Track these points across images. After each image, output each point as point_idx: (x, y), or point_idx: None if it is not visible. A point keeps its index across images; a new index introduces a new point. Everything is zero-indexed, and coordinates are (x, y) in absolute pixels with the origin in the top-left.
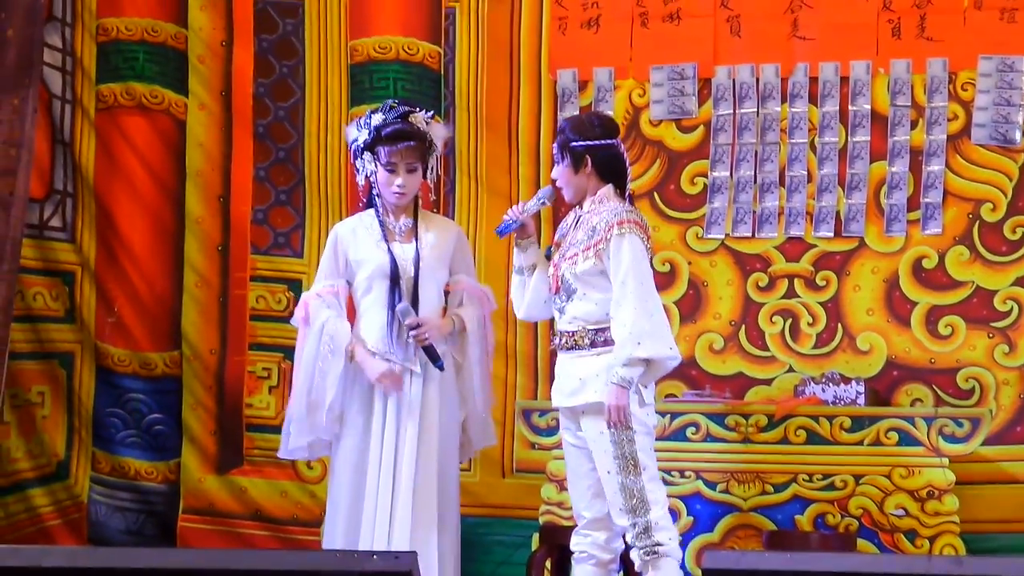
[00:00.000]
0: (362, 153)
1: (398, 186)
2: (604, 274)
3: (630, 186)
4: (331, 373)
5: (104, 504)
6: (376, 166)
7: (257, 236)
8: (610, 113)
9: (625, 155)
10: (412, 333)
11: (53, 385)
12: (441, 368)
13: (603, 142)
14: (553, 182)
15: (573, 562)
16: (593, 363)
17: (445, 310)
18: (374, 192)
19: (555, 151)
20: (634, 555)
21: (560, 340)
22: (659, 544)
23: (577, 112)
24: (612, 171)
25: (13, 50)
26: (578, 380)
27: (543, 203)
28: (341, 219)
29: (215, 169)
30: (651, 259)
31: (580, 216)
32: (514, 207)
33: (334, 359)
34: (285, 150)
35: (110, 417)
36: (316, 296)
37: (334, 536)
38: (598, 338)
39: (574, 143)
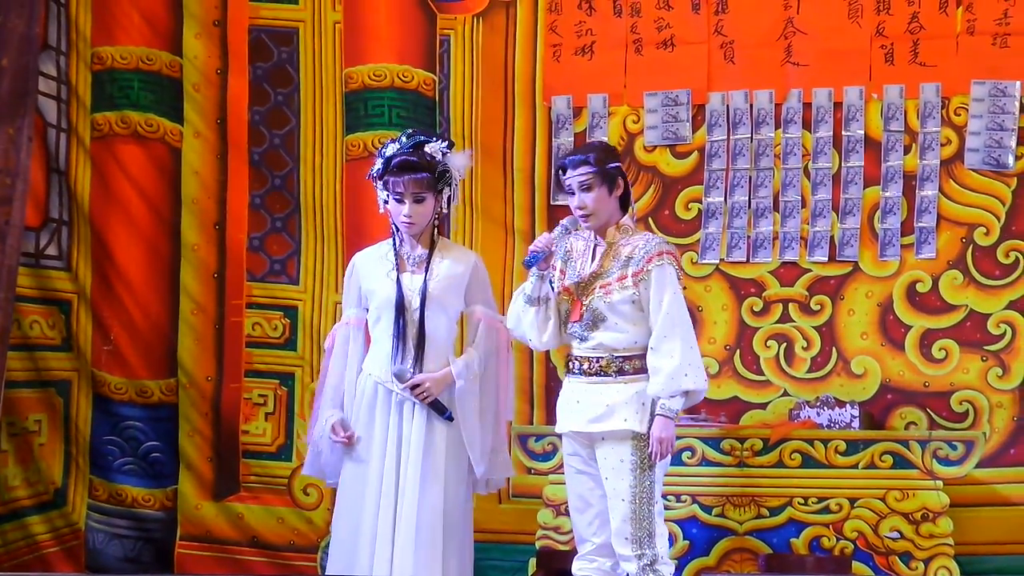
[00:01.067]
0: (376, 182)
1: (405, 216)
2: (637, 303)
3: (635, 210)
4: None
5: (101, 531)
6: (387, 195)
7: (253, 263)
8: (605, 140)
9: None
10: (412, 394)
11: (50, 413)
12: (450, 419)
13: (623, 169)
14: (571, 211)
15: None
16: (622, 390)
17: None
18: (393, 221)
19: (586, 174)
20: None
21: (579, 366)
22: None
23: (572, 139)
24: (628, 197)
25: (8, 79)
26: (604, 407)
27: (568, 231)
28: (337, 246)
29: (210, 197)
30: None
31: (600, 245)
32: (542, 237)
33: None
34: (280, 177)
35: (107, 445)
36: (344, 328)
37: (335, 563)
38: (627, 366)
39: (610, 165)
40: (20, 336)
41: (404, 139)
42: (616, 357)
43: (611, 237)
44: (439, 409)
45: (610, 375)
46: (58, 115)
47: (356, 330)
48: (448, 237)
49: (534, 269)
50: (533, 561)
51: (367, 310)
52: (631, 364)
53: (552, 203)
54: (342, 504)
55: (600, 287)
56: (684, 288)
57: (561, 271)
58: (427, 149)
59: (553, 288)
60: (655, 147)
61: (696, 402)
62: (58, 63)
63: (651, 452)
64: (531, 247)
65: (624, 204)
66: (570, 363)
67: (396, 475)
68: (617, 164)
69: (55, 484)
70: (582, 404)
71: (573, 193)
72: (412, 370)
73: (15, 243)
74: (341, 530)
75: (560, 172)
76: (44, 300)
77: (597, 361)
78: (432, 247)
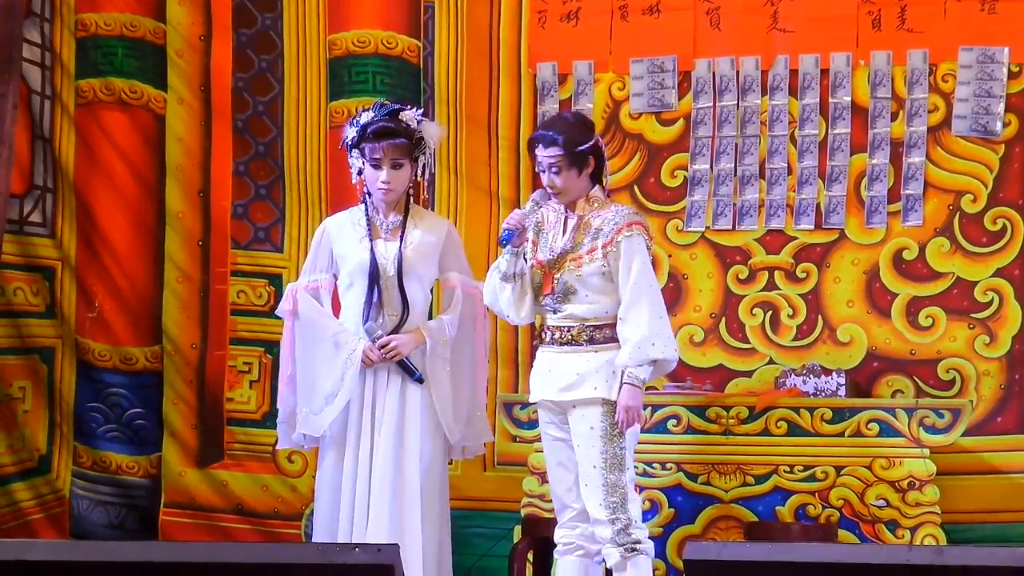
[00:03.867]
0: (351, 150)
1: (383, 182)
2: (607, 275)
3: (608, 181)
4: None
5: (86, 498)
6: (363, 163)
7: (237, 231)
8: (590, 107)
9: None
10: (382, 352)
11: (34, 380)
12: (420, 381)
13: (598, 141)
14: (540, 184)
15: (556, 555)
16: (592, 359)
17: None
18: (365, 189)
19: (555, 156)
20: (611, 551)
21: (550, 336)
22: (638, 542)
23: (557, 106)
24: (601, 170)
25: None
26: (575, 375)
27: (538, 205)
28: (321, 213)
29: (195, 164)
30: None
31: (571, 218)
32: (514, 214)
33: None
34: (264, 144)
35: (91, 412)
36: (304, 291)
37: (318, 532)
38: (597, 335)
39: (581, 147)
40: (4, 303)
41: (379, 108)
42: (587, 326)
43: (581, 209)
44: (408, 370)
45: (581, 344)
46: (42, 82)
47: (325, 292)
48: (433, 205)
49: (508, 246)
50: (518, 528)
51: (335, 276)
52: (601, 333)
53: (538, 171)
54: (323, 473)
55: (571, 260)
56: (653, 258)
57: (534, 243)
58: (402, 117)
59: (527, 261)
60: (640, 114)
61: (667, 372)
62: (42, 30)
63: (618, 420)
64: (504, 224)
65: (597, 177)
66: (543, 333)
67: (371, 443)
68: (587, 145)
69: (39, 451)
70: (553, 373)
71: (543, 170)
72: (381, 331)
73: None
74: (323, 500)
75: (531, 145)
76: (28, 267)
77: (568, 331)
78: (406, 215)
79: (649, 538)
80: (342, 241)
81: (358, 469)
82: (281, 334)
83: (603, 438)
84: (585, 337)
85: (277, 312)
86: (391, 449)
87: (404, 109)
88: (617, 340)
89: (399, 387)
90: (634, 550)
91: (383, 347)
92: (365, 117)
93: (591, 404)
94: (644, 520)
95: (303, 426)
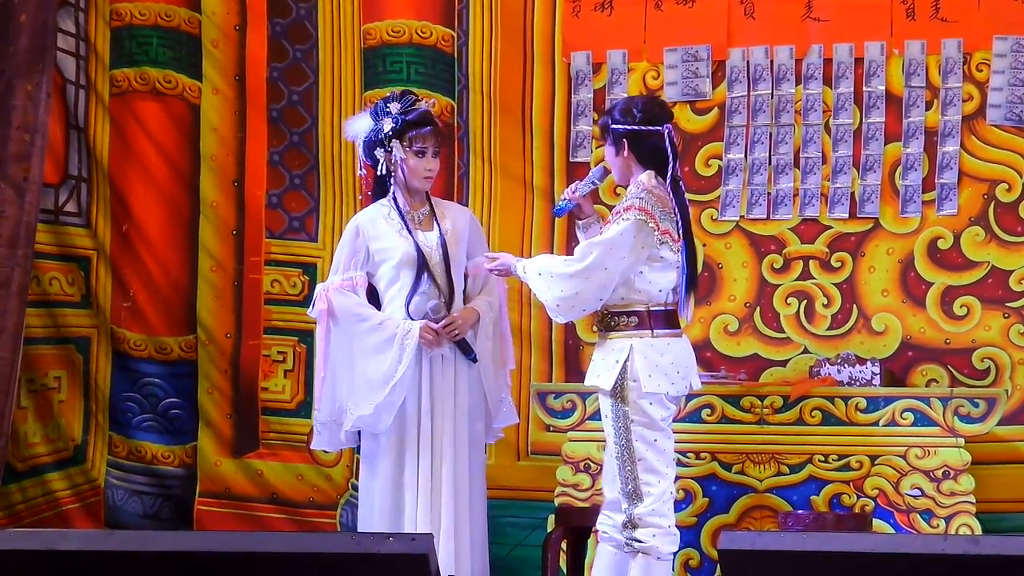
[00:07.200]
0: (389, 141)
1: (428, 170)
2: None
3: (678, 169)
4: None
5: (121, 488)
6: (406, 152)
7: (272, 220)
8: (624, 96)
9: (672, 141)
10: (445, 330)
11: (70, 370)
12: (474, 360)
13: (642, 128)
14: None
15: (599, 541)
16: (603, 346)
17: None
18: (392, 181)
19: (600, 133)
20: (614, 541)
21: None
22: (637, 540)
23: (591, 96)
24: (652, 158)
25: (27, 35)
26: (592, 362)
27: (594, 184)
28: (355, 202)
29: (229, 153)
30: (662, 244)
31: None
32: (569, 187)
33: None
34: (299, 134)
35: (126, 401)
36: (337, 290)
37: (380, 521)
38: (612, 321)
39: (614, 126)
40: (39, 292)
41: (401, 97)
42: (608, 312)
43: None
44: (465, 349)
45: (603, 330)
46: (77, 71)
47: (360, 290)
48: (467, 195)
49: (578, 222)
50: (552, 518)
51: (368, 273)
52: (616, 320)
53: (571, 160)
54: (382, 468)
55: None
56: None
57: None
58: (427, 106)
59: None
60: (675, 103)
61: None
62: (77, 19)
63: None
64: (560, 196)
65: (649, 163)
66: None
67: (431, 434)
68: (624, 128)
69: (75, 441)
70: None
71: None
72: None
73: (34, 199)
74: (385, 489)
75: None
76: (63, 257)
77: (599, 315)
78: (430, 204)
79: (674, 534)
80: (380, 236)
81: (419, 458)
82: (316, 323)
83: (614, 426)
84: (604, 324)
85: (310, 314)
86: (453, 440)
87: (418, 98)
88: (627, 329)
89: (453, 370)
90: (630, 547)
91: (447, 325)
92: (396, 107)
93: (603, 392)
94: (678, 509)
95: (362, 424)
